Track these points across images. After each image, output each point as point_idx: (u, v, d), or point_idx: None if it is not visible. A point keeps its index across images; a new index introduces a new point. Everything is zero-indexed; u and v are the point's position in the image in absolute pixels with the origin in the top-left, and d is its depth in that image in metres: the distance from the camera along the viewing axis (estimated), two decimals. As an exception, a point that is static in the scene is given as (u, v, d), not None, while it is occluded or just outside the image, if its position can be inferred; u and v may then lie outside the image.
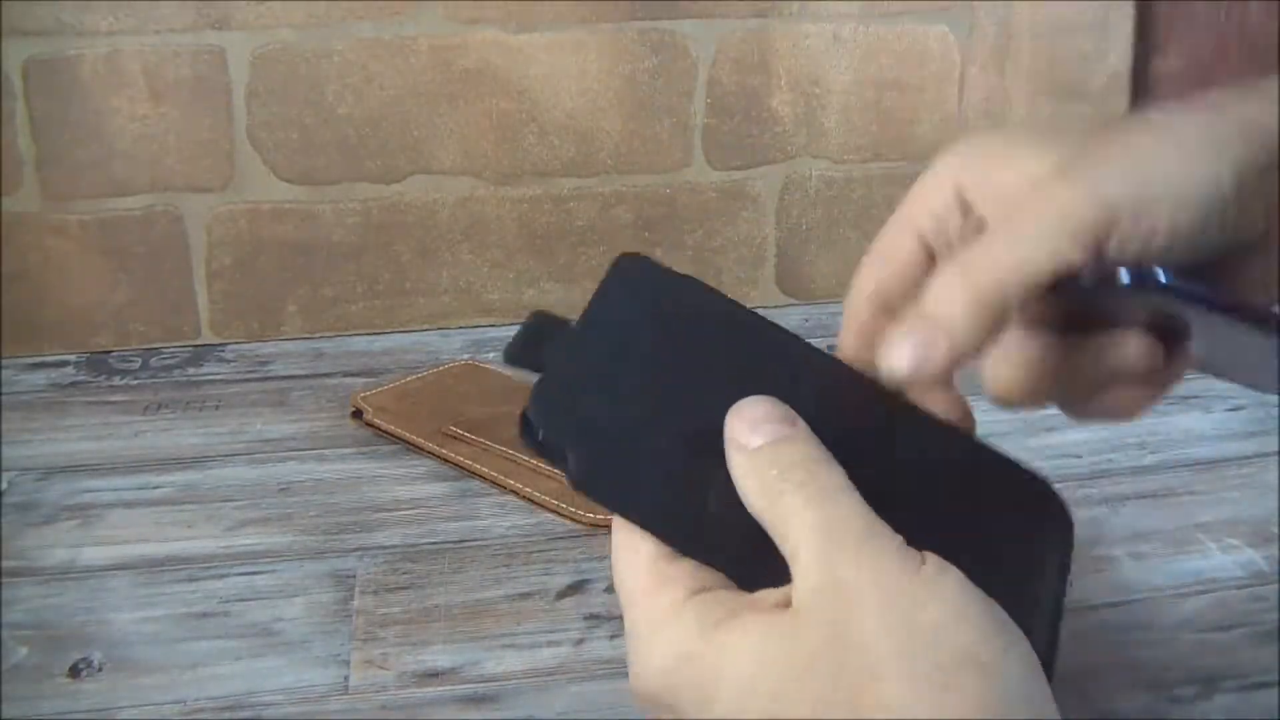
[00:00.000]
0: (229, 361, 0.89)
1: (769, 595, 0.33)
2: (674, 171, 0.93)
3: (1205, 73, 0.95)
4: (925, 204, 0.38)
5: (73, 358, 0.89)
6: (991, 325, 0.33)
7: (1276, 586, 0.62)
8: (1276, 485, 0.70)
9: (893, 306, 0.38)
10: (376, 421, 0.76)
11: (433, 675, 0.57)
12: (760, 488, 0.34)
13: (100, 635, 0.59)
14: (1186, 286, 0.34)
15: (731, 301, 0.39)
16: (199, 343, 0.91)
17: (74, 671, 0.57)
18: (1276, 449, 0.74)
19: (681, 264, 0.95)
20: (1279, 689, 0.55)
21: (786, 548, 0.33)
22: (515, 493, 0.69)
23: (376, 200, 0.91)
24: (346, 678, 0.57)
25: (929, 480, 0.37)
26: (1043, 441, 0.76)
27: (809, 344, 0.38)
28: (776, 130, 0.94)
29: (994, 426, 0.78)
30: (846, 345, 0.39)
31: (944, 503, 0.37)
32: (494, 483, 0.70)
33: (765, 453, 0.34)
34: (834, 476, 0.34)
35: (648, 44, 0.90)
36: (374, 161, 0.90)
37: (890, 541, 0.32)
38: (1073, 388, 0.38)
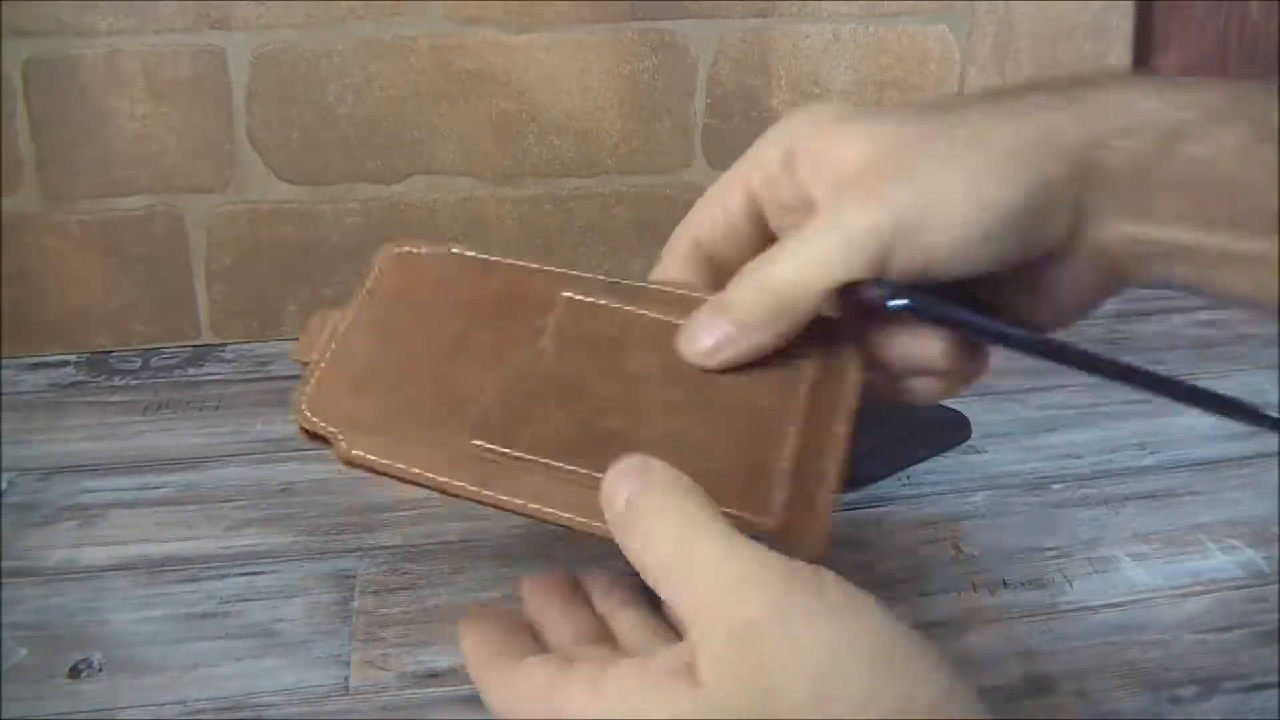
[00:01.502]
0: (229, 361, 0.89)
1: (668, 658, 0.32)
2: (674, 171, 0.93)
3: (1205, 73, 0.95)
4: (758, 163, 0.42)
5: (73, 358, 0.89)
6: (784, 326, 0.37)
7: (1276, 587, 0.62)
8: (1276, 485, 0.70)
9: (710, 253, 0.43)
10: (362, 458, 0.41)
11: (433, 676, 0.57)
12: (636, 550, 0.34)
13: (100, 635, 0.59)
14: (931, 308, 0.37)
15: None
16: (199, 343, 0.91)
17: (74, 672, 0.57)
18: (1276, 449, 0.74)
19: (681, 264, 0.95)
20: (1279, 689, 0.55)
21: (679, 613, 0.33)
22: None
23: (376, 200, 0.91)
24: (347, 678, 0.57)
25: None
26: (1043, 441, 0.76)
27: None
28: (776, 130, 0.94)
29: (994, 427, 0.78)
30: (658, 278, 0.43)
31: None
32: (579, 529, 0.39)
33: (632, 513, 0.34)
34: (699, 517, 0.33)
35: (648, 44, 0.90)
36: (374, 161, 0.90)
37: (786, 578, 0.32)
38: (878, 375, 0.41)
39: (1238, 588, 0.62)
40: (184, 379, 0.87)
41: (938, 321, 0.38)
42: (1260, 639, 0.58)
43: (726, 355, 0.38)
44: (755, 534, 0.34)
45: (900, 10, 0.92)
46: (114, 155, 0.87)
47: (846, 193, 0.36)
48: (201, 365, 0.89)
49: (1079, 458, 0.74)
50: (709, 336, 0.38)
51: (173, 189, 0.88)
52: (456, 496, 0.38)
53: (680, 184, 0.94)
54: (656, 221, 0.94)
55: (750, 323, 0.38)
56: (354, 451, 0.38)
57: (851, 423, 0.38)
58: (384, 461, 0.37)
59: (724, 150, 0.93)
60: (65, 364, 0.89)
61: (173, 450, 0.77)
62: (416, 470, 0.37)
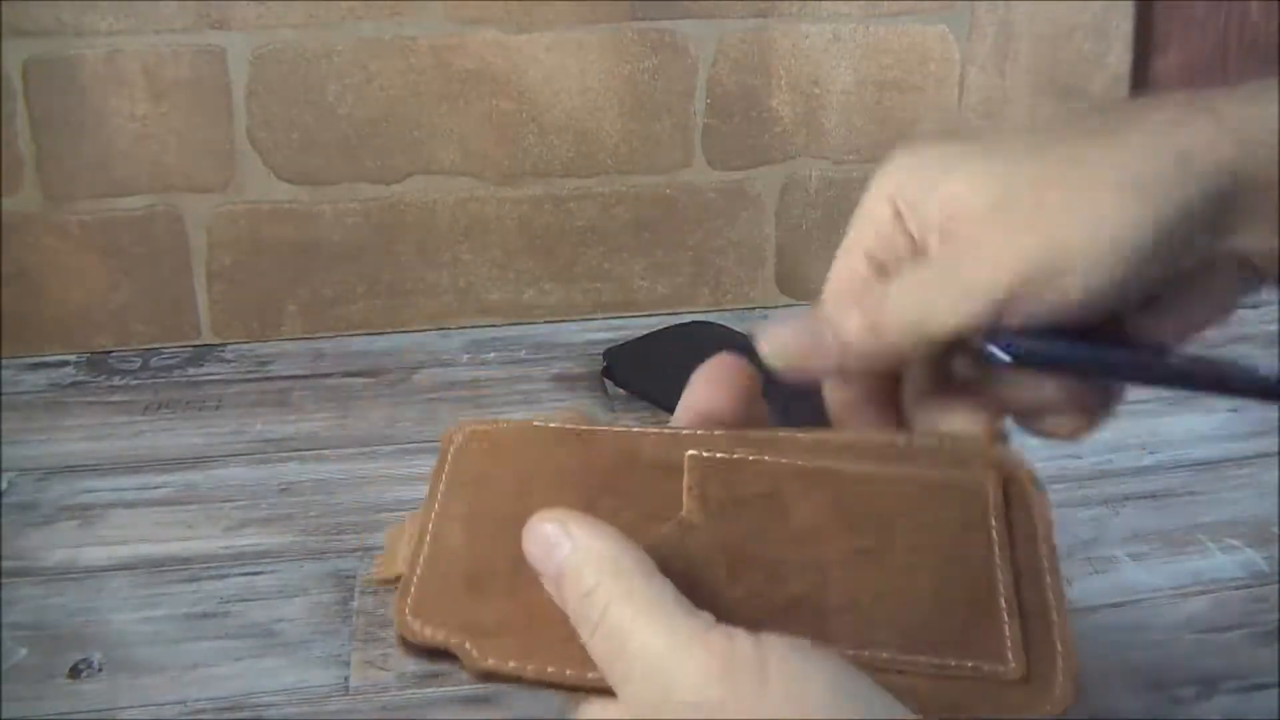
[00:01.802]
0: (229, 361, 0.89)
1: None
2: (674, 171, 0.93)
3: (1205, 73, 0.95)
4: (871, 220, 0.38)
5: (73, 358, 0.89)
6: (880, 365, 0.35)
7: (1276, 587, 0.62)
8: (1276, 485, 0.70)
9: None
10: (500, 667, 0.34)
11: (433, 676, 0.57)
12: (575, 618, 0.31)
13: (100, 635, 0.59)
14: (1032, 356, 0.34)
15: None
16: (199, 343, 0.91)
17: (74, 672, 0.57)
18: (1276, 449, 0.74)
19: (681, 264, 0.95)
20: (1279, 690, 0.55)
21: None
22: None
23: (376, 200, 0.91)
24: (347, 678, 0.57)
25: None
26: (1042, 441, 0.76)
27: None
28: (776, 130, 0.94)
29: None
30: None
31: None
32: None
33: (565, 578, 0.31)
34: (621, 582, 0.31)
35: (648, 44, 0.90)
36: (374, 161, 0.90)
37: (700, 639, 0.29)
38: (1015, 415, 0.39)
39: (1238, 588, 0.62)
40: (184, 379, 0.87)
41: (1041, 368, 0.35)
42: (1260, 639, 0.58)
43: (808, 366, 0.36)
44: (997, 686, 0.31)
45: (900, 10, 0.92)
46: (114, 155, 0.87)
47: (962, 243, 0.34)
48: (201, 365, 0.89)
49: (1079, 458, 0.74)
50: (802, 341, 0.35)
51: (173, 189, 0.88)
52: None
53: (680, 184, 0.94)
54: (656, 221, 0.94)
55: (849, 347, 0.35)
56: (489, 661, 0.32)
57: (1054, 549, 0.35)
58: (528, 668, 0.32)
59: (724, 150, 0.93)
60: (65, 364, 0.89)
61: (173, 450, 0.77)
62: (571, 673, 0.32)
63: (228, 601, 0.62)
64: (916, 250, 0.37)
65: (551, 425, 0.36)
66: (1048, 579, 0.34)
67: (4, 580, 0.63)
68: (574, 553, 0.31)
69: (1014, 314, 0.33)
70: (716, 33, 0.91)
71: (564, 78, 0.90)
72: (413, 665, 0.57)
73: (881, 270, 0.38)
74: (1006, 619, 0.32)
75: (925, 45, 0.93)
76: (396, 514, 0.70)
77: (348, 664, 0.57)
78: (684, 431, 0.37)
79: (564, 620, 0.32)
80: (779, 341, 0.35)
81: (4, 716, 0.54)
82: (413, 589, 0.33)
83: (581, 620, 0.31)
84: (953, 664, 0.31)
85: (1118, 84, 0.96)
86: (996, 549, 0.34)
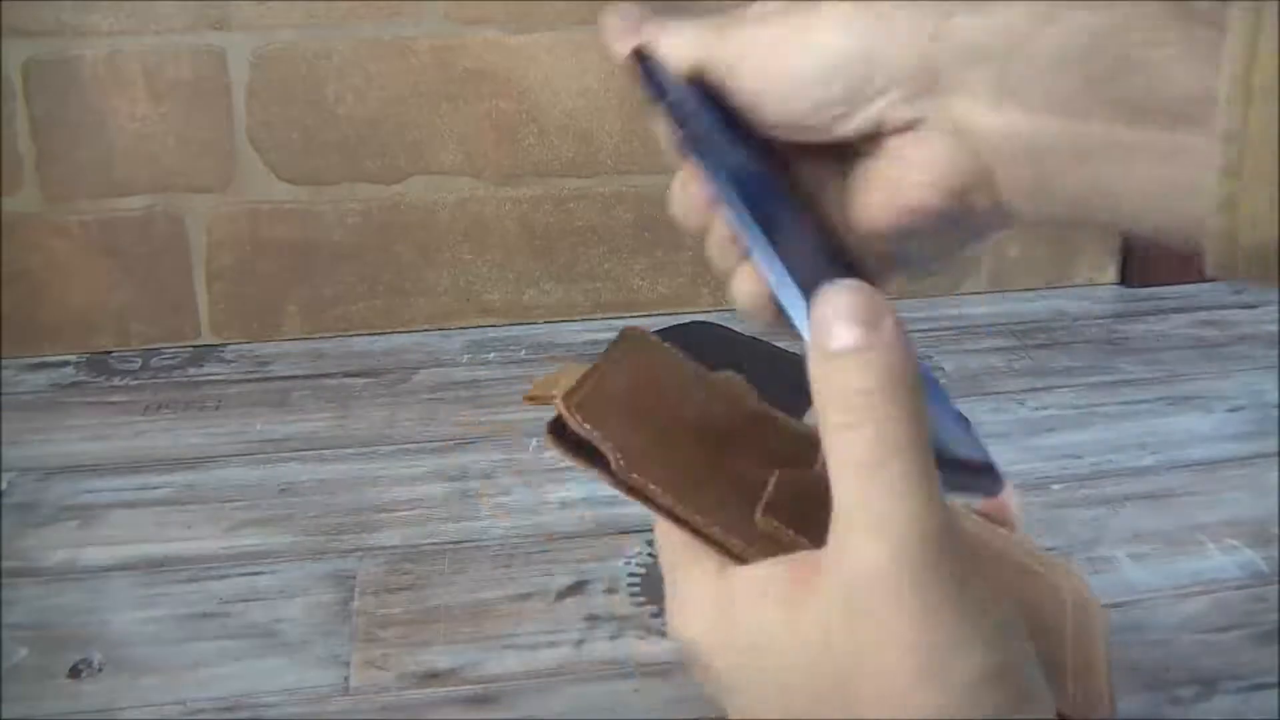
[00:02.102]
0: (229, 362, 0.89)
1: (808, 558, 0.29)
2: (674, 172, 0.93)
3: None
4: None
5: (73, 358, 0.89)
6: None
7: (1276, 587, 0.62)
8: (1276, 486, 0.70)
9: None
10: (641, 483, 0.35)
11: (433, 676, 0.57)
12: (838, 406, 0.28)
13: (100, 635, 0.59)
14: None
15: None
16: (199, 343, 0.91)
17: (74, 672, 0.57)
18: (1276, 449, 0.74)
19: (681, 264, 0.95)
20: (1279, 689, 0.55)
21: (839, 503, 0.28)
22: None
23: (376, 200, 0.91)
24: (347, 678, 0.57)
25: None
26: (1043, 442, 0.76)
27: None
28: (776, 130, 0.94)
29: (994, 427, 0.78)
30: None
31: None
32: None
33: (850, 361, 0.27)
34: (915, 422, 0.28)
35: (648, 44, 0.90)
36: (374, 162, 0.90)
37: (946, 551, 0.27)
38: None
39: (1238, 588, 0.62)
40: (184, 379, 0.87)
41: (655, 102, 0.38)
42: (1260, 639, 0.58)
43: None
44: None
45: (900, 10, 0.92)
46: (114, 155, 0.87)
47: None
48: (201, 365, 0.89)
49: (1079, 458, 0.74)
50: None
51: (173, 189, 0.88)
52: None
53: (680, 184, 0.94)
54: (656, 221, 0.94)
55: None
56: (633, 475, 0.33)
57: (1108, 661, 0.38)
58: (666, 496, 0.33)
59: (724, 150, 0.93)
60: (65, 364, 0.89)
61: (173, 450, 0.77)
62: (700, 518, 0.32)
63: (228, 601, 0.62)
64: None
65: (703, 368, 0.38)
66: (1102, 673, 0.37)
67: (4, 580, 0.63)
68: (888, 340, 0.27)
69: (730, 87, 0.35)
70: (716, 33, 0.91)
71: (564, 78, 0.90)
72: (413, 665, 0.57)
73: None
74: (1069, 680, 0.36)
75: (925, 45, 0.93)
76: (396, 514, 0.70)
77: (348, 664, 0.57)
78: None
79: (705, 472, 0.34)
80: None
81: (4, 716, 0.54)
82: (580, 392, 0.34)
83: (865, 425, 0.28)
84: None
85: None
86: (1070, 632, 0.37)
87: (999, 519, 0.38)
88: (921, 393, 0.28)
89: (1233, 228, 0.28)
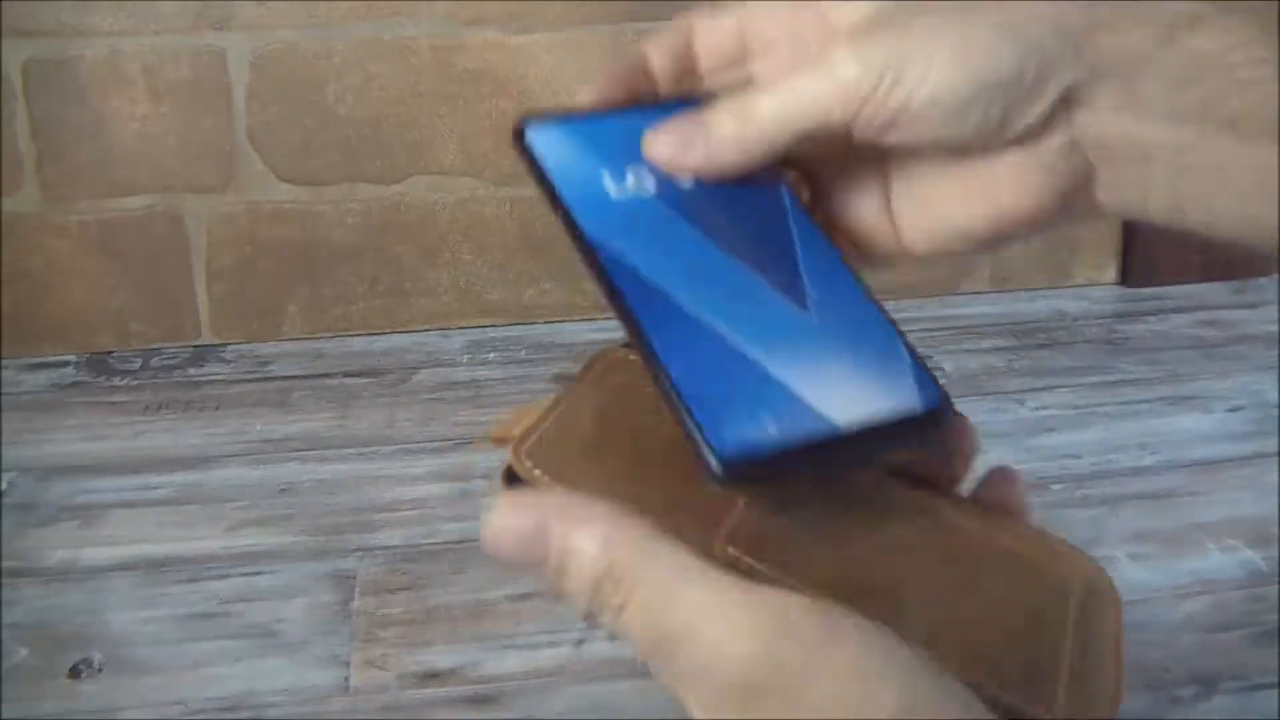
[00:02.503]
0: (229, 362, 0.89)
1: None
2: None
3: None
4: (694, 31, 0.40)
5: (73, 358, 0.89)
6: (752, 158, 0.36)
7: (1276, 587, 0.62)
8: (1276, 485, 0.71)
9: (688, 68, 0.41)
10: None
11: (433, 676, 0.57)
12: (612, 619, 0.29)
13: (100, 635, 0.59)
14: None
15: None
16: (199, 343, 0.91)
17: (74, 672, 0.57)
18: (1276, 449, 0.74)
19: (681, 264, 0.95)
20: (1279, 689, 0.55)
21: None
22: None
23: (377, 200, 0.91)
24: (347, 678, 0.57)
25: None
26: (1043, 442, 0.76)
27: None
28: (776, 130, 0.94)
29: (994, 427, 0.78)
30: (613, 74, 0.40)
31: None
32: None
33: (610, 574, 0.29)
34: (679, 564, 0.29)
35: (648, 44, 0.90)
36: (374, 162, 0.90)
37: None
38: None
39: (1238, 588, 0.62)
40: (184, 379, 0.87)
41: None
42: (1260, 639, 0.58)
43: (684, 165, 0.37)
44: None
45: (900, 10, 0.92)
46: (114, 155, 0.87)
47: (837, 45, 0.35)
48: (201, 365, 0.89)
49: (1079, 458, 0.74)
50: (676, 145, 0.37)
51: (173, 189, 0.88)
52: None
53: (680, 184, 0.94)
54: (656, 221, 0.94)
55: (721, 145, 0.36)
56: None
57: (1121, 649, 0.37)
58: None
59: (724, 150, 0.93)
60: (65, 364, 0.89)
61: (173, 450, 0.77)
62: None
63: (228, 601, 0.62)
64: (746, 58, 0.39)
65: None
66: (1111, 671, 0.34)
67: (4, 580, 0.63)
68: (570, 534, 0.29)
69: (860, 116, 0.34)
70: (716, 33, 0.91)
71: (564, 78, 0.90)
72: (413, 665, 0.57)
73: (684, 76, 0.40)
74: (1060, 683, 0.33)
75: (925, 45, 0.93)
76: (396, 514, 0.70)
77: (348, 664, 0.57)
78: None
79: (664, 507, 0.31)
80: (658, 143, 0.37)
81: (4, 716, 0.54)
82: (534, 435, 0.34)
83: (602, 607, 0.28)
84: (1002, 695, 0.32)
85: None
86: (1071, 630, 0.35)
87: (1009, 507, 0.36)
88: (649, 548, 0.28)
89: None
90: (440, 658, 0.58)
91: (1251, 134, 0.31)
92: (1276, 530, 0.67)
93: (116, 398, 0.84)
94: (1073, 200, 0.35)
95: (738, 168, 0.37)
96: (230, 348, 0.91)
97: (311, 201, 0.90)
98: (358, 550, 0.66)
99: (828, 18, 0.38)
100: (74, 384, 0.86)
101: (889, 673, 0.27)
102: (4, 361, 0.88)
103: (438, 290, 0.93)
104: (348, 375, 0.87)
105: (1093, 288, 0.99)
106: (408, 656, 0.58)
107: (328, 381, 0.86)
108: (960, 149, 0.35)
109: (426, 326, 0.94)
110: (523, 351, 0.90)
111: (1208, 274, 0.99)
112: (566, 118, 0.37)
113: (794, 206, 0.37)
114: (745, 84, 0.38)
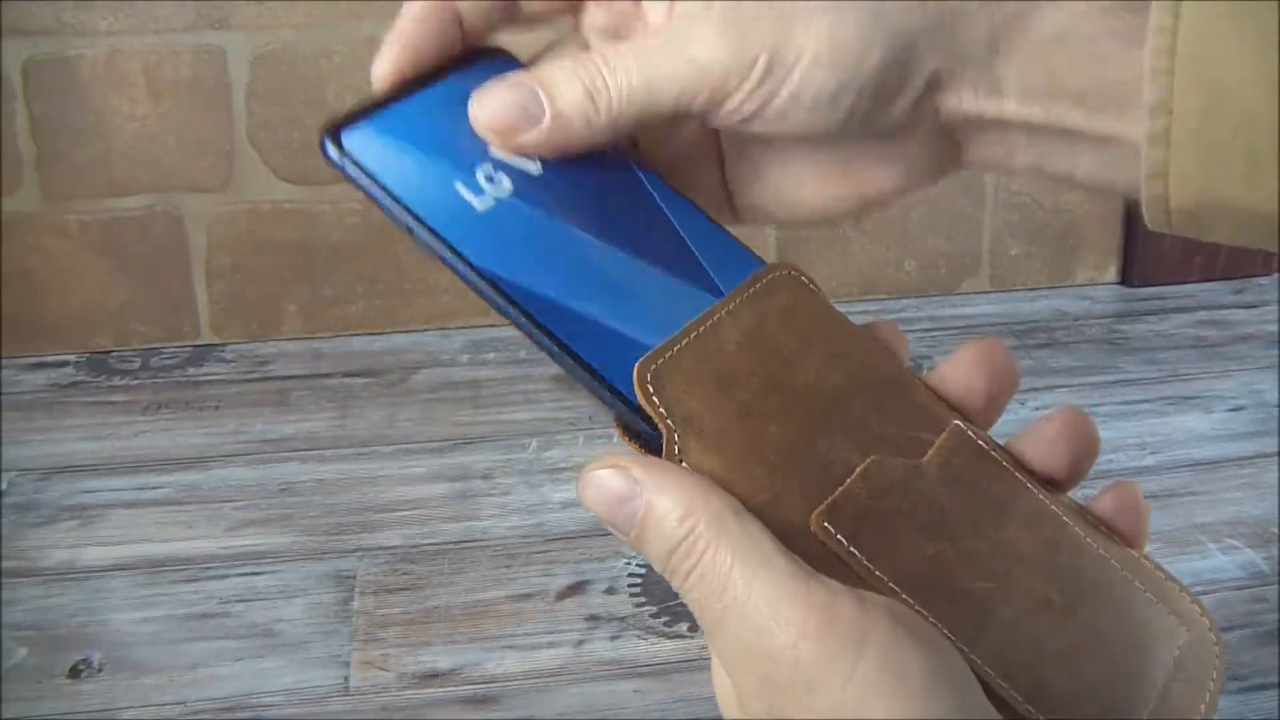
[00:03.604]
0: (229, 362, 0.89)
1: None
2: (674, 171, 0.93)
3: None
4: None
5: (73, 358, 0.89)
6: (593, 138, 0.33)
7: (1276, 587, 0.62)
8: (1276, 486, 0.70)
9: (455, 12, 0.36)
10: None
11: (433, 676, 0.57)
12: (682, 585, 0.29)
13: (100, 635, 0.59)
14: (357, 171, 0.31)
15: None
16: (199, 343, 0.91)
17: (74, 672, 0.57)
18: (1276, 449, 0.74)
19: (681, 264, 0.95)
20: (1279, 689, 0.55)
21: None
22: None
23: (376, 200, 0.90)
24: (347, 678, 0.57)
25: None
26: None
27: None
28: (776, 130, 0.94)
29: (995, 428, 0.78)
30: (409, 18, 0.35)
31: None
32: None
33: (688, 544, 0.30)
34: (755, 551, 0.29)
35: (648, 44, 0.90)
36: (374, 161, 0.90)
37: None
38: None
39: (1238, 588, 0.62)
40: (184, 379, 0.87)
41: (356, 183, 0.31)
42: (1260, 639, 0.58)
43: (522, 143, 0.33)
44: None
45: (900, 10, 0.92)
46: (114, 155, 0.87)
47: (699, 22, 0.33)
48: (201, 365, 0.89)
49: (1079, 458, 0.74)
50: (514, 113, 0.33)
51: (173, 189, 0.88)
52: None
53: (680, 184, 0.94)
54: (656, 221, 0.94)
55: (564, 120, 0.33)
56: (683, 464, 0.32)
57: (1218, 692, 0.34)
58: None
59: (724, 150, 0.93)
60: (65, 364, 0.89)
61: (173, 450, 0.77)
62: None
63: (228, 602, 0.62)
64: (624, 26, 0.36)
65: (860, 325, 0.36)
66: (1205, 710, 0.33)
67: (4, 580, 0.63)
68: (656, 500, 0.30)
69: (722, 108, 0.32)
70: (716, 33, 0.91)
71: (564, 78, 0.90)
72: (413, 665, 0.57)
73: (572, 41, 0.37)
74: None
75: (925, 45, 0.93)
76: (396, 514, 0.70)
77: (348, 664, 0.57)
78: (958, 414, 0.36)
79: (781, 477, 0.31)
80: (490, 109, 0.33)
81: (4, 716, 0.54)
82: (666, 356, 0.32)
83: (673, 571, 0.29)
84: None
85: (1118, 84, 0.96)
86: (1162, 681, 0.33)
87: (1127, 532, 0.34)
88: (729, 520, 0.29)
89: (1164, 193, 0.30)
90: (440, 658, 0.58)
91: (1100, 106, 0.31)
92: (1276, 530, 0.67)
93: (116, 398, 0.84)
94: (938, 170, 0.34)
95: (584, 147, 0.34)
96: (230, 347, 0.91)
97: (311, 201, 0.90)
98: (357, 550, 0.66)
99: None
100: (74, 384, 0.86)
101: (899, 692, 0.27)
102: (4, 361, 0.88)
103: (437, 290, 0.93)
104: (347, 375, 0.87)
105: (1093, 287, 0.99)
106: (407, 656, 0.58)
107: (327, 381, 0.86)
108: (820, 139, 0.34)
109: (426, 326, 0.94)
110: (522, 351, 0.90)
111: (1208, 274, 0.99)
112: (378, 111, 0.32)
113: (647, 175, 0.35)
114: (575, 40, 0.36)
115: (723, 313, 0.34)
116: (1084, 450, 0.33)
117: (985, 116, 0.33)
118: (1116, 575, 0.33)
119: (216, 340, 0.92)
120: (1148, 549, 0.61)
